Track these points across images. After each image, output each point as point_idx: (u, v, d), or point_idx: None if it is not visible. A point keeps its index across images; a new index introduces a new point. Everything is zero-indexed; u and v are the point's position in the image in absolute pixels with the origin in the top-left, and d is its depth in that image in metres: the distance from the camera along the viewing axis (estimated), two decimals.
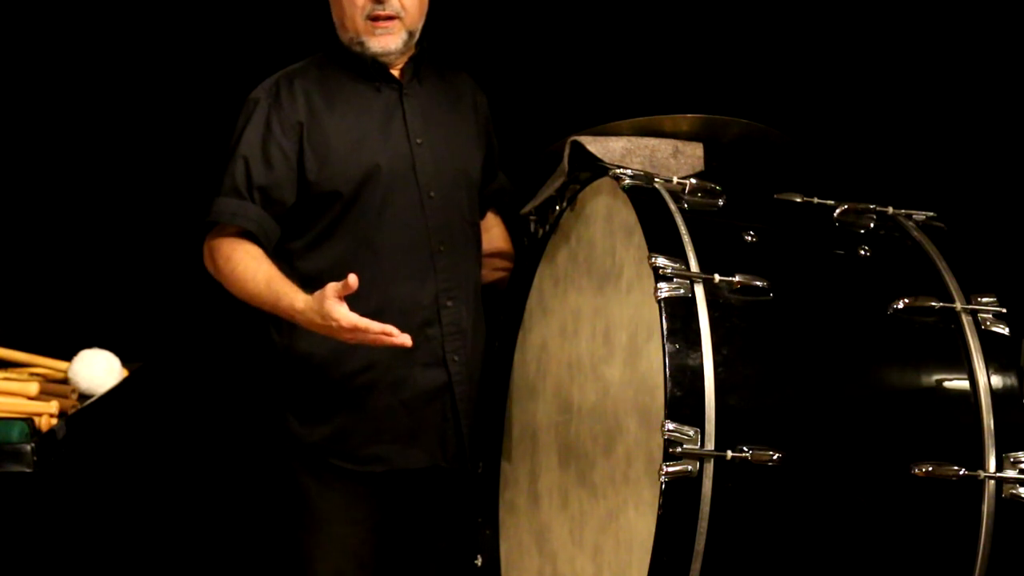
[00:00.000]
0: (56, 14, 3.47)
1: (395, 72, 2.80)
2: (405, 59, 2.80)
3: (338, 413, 2.73)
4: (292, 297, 2.59)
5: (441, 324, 2.75)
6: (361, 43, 2.74)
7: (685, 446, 2.15)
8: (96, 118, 3.52)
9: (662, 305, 2.23)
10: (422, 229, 2.74)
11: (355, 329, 2.51)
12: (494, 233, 3.01)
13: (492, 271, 2.96)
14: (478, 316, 2.83)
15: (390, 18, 2.72)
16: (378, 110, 2.77)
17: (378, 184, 2.71)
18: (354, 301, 2.64)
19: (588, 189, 2.64)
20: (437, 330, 2.75)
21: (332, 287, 2.51)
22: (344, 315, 2.50)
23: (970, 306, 2.36)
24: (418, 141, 2.77)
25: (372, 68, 2.77)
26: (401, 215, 2.73)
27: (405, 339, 2.52)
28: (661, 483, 2.15)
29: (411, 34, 2.76)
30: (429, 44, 2.84)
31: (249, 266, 2.65)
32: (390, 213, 2.73)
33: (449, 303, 2.75)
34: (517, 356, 2.87)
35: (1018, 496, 2.25)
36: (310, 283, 2.70)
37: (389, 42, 2.74)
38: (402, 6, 2.72)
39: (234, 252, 2.68)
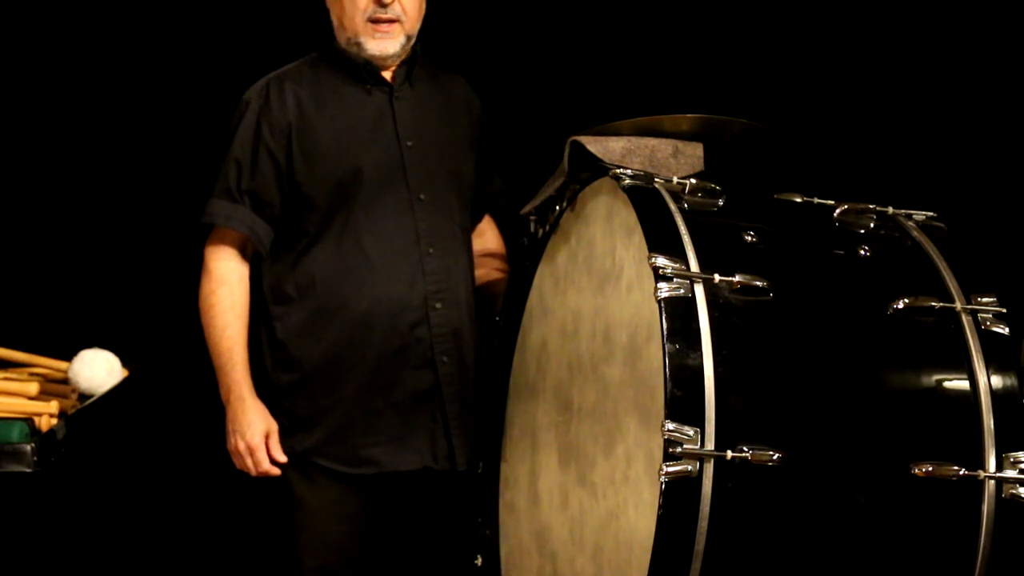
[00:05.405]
0: (55, 15, 3.47)
1: (387, 75, 2.79)
2: (398, 62, 2.80)
3: (329, 417, 2.74)
4: (242, 380, 2.70)
5: (430, 326, 2.75)
6: (359, 44, 2.74)
7: (685, 446, 2.15)
8: (96, 119, 3.52)
9: (662, 305, 2.23)
10: (411, 231, 2.75)
11: (249, 454, 2.68)
12: (487, 236, 3.01)
13: (485, 273, 2.96)
14: (470, 318, 2.83)
15: (391, 21, 2.72)
16: (368, 112, 2.77)
17: (367, 186, 2.72)
18: (344, 303, 2.68)
19: (588, 189, 2.64)
20: (426, 332, 2.74)
21: (277, 448, 2.70)
22: (259, 445, 2.67)
23: (970, 306, 2.36)
24: (408, 144, 2.77)
25: (364, 70, 2.77)
26: (390, 217, 2.74)
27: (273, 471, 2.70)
28: (661, 483, 2.15)
29: (409, 38, 2.76)
30: (423, 46, 2.83)
31: (225, 314, 2.72)
32: (379, 215, 2.73)
33: (438, 305, 2.75)
34: (517, 356, 2.87)
35: (1018, 496, 2.25)
36: (305, 289, 2.71)
37: (388, 45, 2.74)
38: (403, 10, 2.72)
39: (221, 286, 2.73)
